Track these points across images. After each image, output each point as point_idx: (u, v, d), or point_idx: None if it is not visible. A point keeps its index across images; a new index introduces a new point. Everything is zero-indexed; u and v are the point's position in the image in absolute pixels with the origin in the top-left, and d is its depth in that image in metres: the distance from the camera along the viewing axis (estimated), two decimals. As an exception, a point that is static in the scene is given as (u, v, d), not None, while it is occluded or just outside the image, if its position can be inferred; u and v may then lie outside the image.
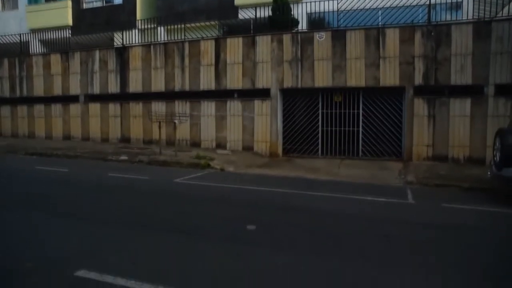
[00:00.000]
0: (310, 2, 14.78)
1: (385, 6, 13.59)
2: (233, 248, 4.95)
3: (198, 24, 17.41)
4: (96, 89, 17.69)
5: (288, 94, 14.50)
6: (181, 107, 15.84)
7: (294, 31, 14.66)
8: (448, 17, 13.08)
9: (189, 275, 4.10)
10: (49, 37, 19.33)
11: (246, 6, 17.40)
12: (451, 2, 13.24)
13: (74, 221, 6.08)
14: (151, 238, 5.33)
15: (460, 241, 5.49)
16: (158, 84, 16.32)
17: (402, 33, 12.84)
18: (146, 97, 16.57)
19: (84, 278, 3.93)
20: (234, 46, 14.96)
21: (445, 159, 12.44)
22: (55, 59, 18.56)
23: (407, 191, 9.07)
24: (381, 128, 13.38)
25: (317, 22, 17.28)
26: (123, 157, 13.47)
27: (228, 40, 15.16)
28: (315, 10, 15.30)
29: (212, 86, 15.35)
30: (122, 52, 17.08)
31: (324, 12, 15.27)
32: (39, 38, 20.17)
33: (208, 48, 15.40)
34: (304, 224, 6.18)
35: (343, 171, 11.77)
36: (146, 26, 18.33)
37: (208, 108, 15.45)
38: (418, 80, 12.67)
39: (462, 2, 14.05)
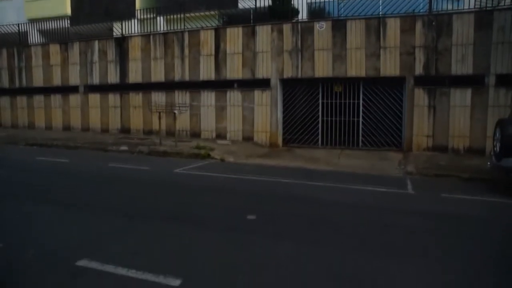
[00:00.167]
0: (311, -9, 14.69)
1: (386, -4, 13.53)
2: (234, 238, 4.97)
3: (197, 14, 17.30)
4: (96, 80, 17.63)
5: (288, 84, 14.46)
6: (181, 97, 15.80)
7: (294, 21, 14.57)
8: (450, 7, 12.97)
9: (190, 265, 4.13)
10: (48, 27, 19.21)
11: (246, -4, 17.27)
12: (453, -9, 13.16)
13: (75, 211, 6.10)
14: (152, 228, 5.35)
15: (459, 231, 5.51)
16: (158, 74, 16.26)
17: (403, 22, 12.76)
18: (146, 87, 16.52)
19: (86, 268, 3.95)
20: (234, 36, 14.89)
21: (445, 149, 12.45)
22: (54, 50, 18.48)
23: (407, 181, 9.09)
24: (381, 119, 13.37)
25: (317, 11, 17.16)
26: (123, 148, 13.47)
27: (228, 30, 15.08)
28: (315, 0, 15.19)
29: (212, 76, 15.30)
30: (122, 42, 16.99)
31: (324, 1, 15.15)
32: (38, 28, 20.06)
33: (208, 38, 15.32)
34: (305, 214, 6.20)
35: (343, 161, 11.78)
36: (145, 16, 18.21)
37: (208, 98, 15.41)
38: (419, 70, 12.62)
39: (463, -9, 13.95)
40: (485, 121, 11.94)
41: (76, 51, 17.95)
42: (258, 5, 15.17)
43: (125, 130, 17.06)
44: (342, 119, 13.86)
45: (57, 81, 18.48)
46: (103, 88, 17.49)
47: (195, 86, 15.60)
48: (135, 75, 16.73)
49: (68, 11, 21.94)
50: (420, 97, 12.67)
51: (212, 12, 18.21)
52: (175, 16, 16.34)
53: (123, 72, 16.97)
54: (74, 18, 21.22)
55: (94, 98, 17.74)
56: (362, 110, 13.61)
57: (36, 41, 19.94)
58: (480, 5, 12.46)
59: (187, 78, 15.72)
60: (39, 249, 4.45)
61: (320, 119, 14.13)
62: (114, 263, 4.02)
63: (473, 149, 12.14)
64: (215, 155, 12.20)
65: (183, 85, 15.82)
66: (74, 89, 18.12)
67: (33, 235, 4.97)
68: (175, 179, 9.13)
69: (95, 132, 17.66)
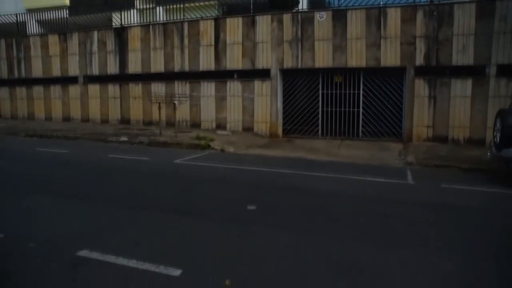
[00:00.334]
0: (311, -20, 14.58)
1: (387, -15, 13.42)
2: (234, 229, 4.99)
3: (197, 4, 17.17)
4: (95, 70, 17.57)
5: (288, 75, 14.41)
6: (181, 88, 15.76)
7: (294, 10, 14.48)
8: (451, -4, 12.89)
9: (190, 255, 4.14)
10: (46, 17, 19.10)
11: (245, -15, 17.14)
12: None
13: (75, 202, 6.12)
14: (152, 218, 5.36)
15: (459, 221, 5.53)
16: (158, 65, 16.20)
17: (404, 12, 12.68)
18: (146, 78, 16.48)
19: (86, 258, 3.97)
20: (234, 26, 14.80)
21: (445, 140, 12.44)
22: (53, 40, 18.39)
23: (407, 171, 9.10)
24: (381, 109, 13.34)
25: (317, 1, 17.04)
26: (123, 138, 13.47)
27: (228, 20, 14.99)
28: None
29: (212, 66, 15.24)
30: (121, 33, 16.91)
31: (325, -9, 15.05)
32: (36, 19, 19.93)
33: (207, 28, 15.23)
34: (305, 204, 6.21)
35: (343, 151, 11.78)
36: (144, 6, 18.08)
37: (208, 88, 15.37)
38: (419, 60, 12.57)
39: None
40: (486, 112, 11.92)
41: (75, 42, 17.87)
42: (258, -6, 15.07)
43: (125, 120, 17.05)
44: (342, 109, 13.83)
45: (56, 71, 18.41)
46: (103, 79, 17.44)
47: (195, 76, 15.55)
48: (134, 66, 16.67)
49: (67, 1, 21.76)
50: (421, 87, 12.63)
51: (212, 2, 18.07)
52: (174, 6, 16.25)
53: (123, 63, 16.90)
54: (73, 8, 21.07)
55: (94, 89, 17.69)
56: (362, 100, 13.58)
57: (35, 32, 19.84)
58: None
59: (187, 68, 15.66)
60: (40, 240, 4.46)
61: (320, 109, 14.10)
62: (115, 254, 4.04)
63: (473, 139, 12.13)
64: (215, 145, 12.20)
65: (183, 76, 15.77)
66: (73, 80, 18.07)
67: (34, 226, 4.99)
68: (175, 169, 9.14)
69: (95, 123, 17.64)
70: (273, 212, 5.71)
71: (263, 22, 14.33)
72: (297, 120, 14.40)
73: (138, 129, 15.54)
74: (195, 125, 15.61)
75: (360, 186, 7.56)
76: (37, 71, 18.86)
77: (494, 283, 3.67)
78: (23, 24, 19.98)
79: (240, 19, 14.73)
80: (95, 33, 17.46)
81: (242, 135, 14.24)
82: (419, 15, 12.50)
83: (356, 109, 13.68)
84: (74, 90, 18.14)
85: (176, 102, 14.44)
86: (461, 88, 12.22)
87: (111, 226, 5.04)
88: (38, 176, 8.03)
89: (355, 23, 13.16)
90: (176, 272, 3.69)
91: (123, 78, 16.97)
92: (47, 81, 18.68)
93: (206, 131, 14.82)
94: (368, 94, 13.49)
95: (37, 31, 19.95)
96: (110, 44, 17.13)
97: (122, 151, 11.33)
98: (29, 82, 19.14)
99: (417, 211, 5.95)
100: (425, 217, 5.64)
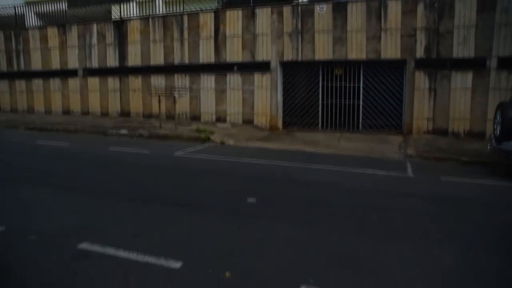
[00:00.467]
0: (311, -28, 14.47)
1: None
2: (234, 221, 5.00)
3: (196, -4, 17.08)
4: (95, 63, 17.51)
5: (288, 67, 14.37)
6: (181, 80, 15.73)
7: (294, 3, 14.38)
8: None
9: (190, 247, 4.16)
10: (45, 9, 18.99)
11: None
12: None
13: (75, 195, 6.13)
14: (152, 211, 5.38)
15: (459, 214, 5.54)
16: (157, 57, 16.15)
17: (404, 4, 12.60)
18: (145, 70, 16.43)
19: (87, 251, 3.99)
20: (234, 19, 14.73)
21: (445, 132, 12.43)
22: (52, 33, 18.30)
23: (407, 164, 9.11)
24: (381, 102, 13.32)
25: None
26: (123, 131, 13.46)
27: (228, 13, 14.91)
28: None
29: (212, 59, 15.19)
30: (120, 25, 16.83)
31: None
32: (35, 11, 19.83)
33: (207, 21, 15.16)
34: (304, 197, 6.22)
35: (343, 144, 11.78)
36: (143, -2, 17.99)
37: (208, 81, 15.33)
38: (420, 53, 12.52)
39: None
40: (486, 104, 11.89)
41: (74, 34, 17.79)
42: (258, -14, 14.98)
43: (124, 113, 17.03)
44: (342, 102, 13.81)
45: (55, 64, 18.35)
46: (102, 72, 17.38)
47: (194, 69, 15.51)
48: (134, 59, 16.62)
49: (66, -7, 21.63)
50: (421, 80, 12.59)
51: (211, -6, 17.99)
52: (174, -2, 16.16)
53: (122, 56, 16.85)
54: (72, 0, 20.94)
55: (93, 82, 17.65)
56: (363, 93, 13.55)
57: (33, 24, 19.74)
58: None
59: (186, 61, 15.61)
60: (40, 233, 4.48)
61: (320, 102, 14.07)
62: (115, 246, 4.06)
63: (473, 132, 12.12)
64: (215, 138, 12.21)
65: (182, 68, 15.72)
66: (73, 73, 18.02)
67: (34, 219, 5.00)
68: (175, 162, 9.15)
69: (94, 116, 17.62)
70: (273, 205, 5.72)
71: (263, 15, 14.26)
72: (297, 112, 14.38)
73: (138, 122, 15.53)
74: (195, 118, 15.60)
75: (360, 179, 7.57)
76: (36, 64, 18.80)
77: (494, 276, 3.69)
78: (22, 16, 19.87)
79: (240, 11, 14.66)
80: (94, 25, 17.38)
81: (242, 128, 14.23)
82: (420, 7, 12.43)
83: (356, 102, 13.66)
84: (73, 83, 18.09)
85: (176, 95, 14.42)
86: (462, 81, 12.19)
87: (111, 218, 5.06)
88: (38, 169, 8.04)
89: (356, 15, 13.09)
90: (177, 265, 3.71)
91: (122, 71, 16.92)
92: (46, 74, 18.62)
93: (206, 124, 14.81)
94: (368, 86, 13.46)
95: (36, 24, 19.85)
96: (110, 36, 17.06)
97: (122, 144, 11.34)
98: (29, 75, 19.08)
99: (417, 204, 5.96)
100: (424, 210, 5.66)
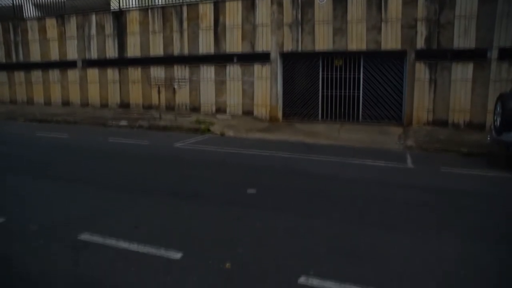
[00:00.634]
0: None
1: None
2: (234, 212, 5.01)
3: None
4: (94, 54, 17.43)
5: (288, 58, 14.31)
6: (180, 71, 15.67)
7: (294, -7, 14.30)
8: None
9: (190, 238, 4.18)
10: (43, 0, 18.85)
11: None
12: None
13: (75, 186, 6.14)
14: (152, 202, 5.39)
15: (459, 205, 5.56)
16: (157, 48, 16.08)
17: (405, -6, 12.53)
18: (145, 62, 16.36)
19: (88, 241, 4.00)
20: (233, 9, 14.64)
21: (445, 124, 12.42)
22: (51, 24, 18.19)
23: (407, 155, 9.11)
24: (381, 93, 13.28)
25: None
26: (123, 123, 13.45)
27: (227, 3, 14.80)
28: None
29: (211, 50, 15.13)
30: (119, 16, 16.72)
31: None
32: (33, 2, 19.69)
33: (207, 11, 15.06)
34: (304, 187, 6.23)
35: (343, 135, 11.78)
36: (142, -11, 17.88)
37: (208, 72, 15.29)
38: (420, 44, 12.46)
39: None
40: (486, 96, 11.86)
41: (73, 25, 17.69)
42: (257, -24, 14.86)
43: (124, 105, 16.99)
44: (343, 93, 13.77)
45: (54, 56, 18.27)
46: (102, 63, 17.31)
47: (194, 60, 15.45)
48: (133, 50, 16.54)
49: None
50: (421, 71, 12.55)
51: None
52: (173, -11, 16.04)
53: (122, 47, 16.77)
54: (70, -10, 20.81)
55: (93, 73, 17.58)
56: (363, 84, 13.51)
57: (32, 15, 19.61)
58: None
59: (186, 52, 15.55)
60: (41, 224, 4.49)
61: (320, 93, 14.04)
62: (116, 237, 4.07)
63: (473, 123, 12.11)
64: (215, 129, 12.20)
65: (182, 59, 15.66)
66: (72, 64, 17.94)
67: (35, 210, 5.01)
68: (175, 153, 9.15)
69: (94, 107, 17.58)
70: (273, 196, 5.74)
71: (263, 5, 14.16)
72: (297, 103, 14.35)
73: (137, 113, 15.51)
74: (195, 109, 15.57)
75: (360, 170, 7.58)
76: (35, 55, 18.71)
77: (494, 266, 3.70)
78: (20, 7, 19.75)
79: (240, 2, 14.55)
80: (93, 16, 17.27)
81: (242, 119, 14.22)
82: (421, -2, 12.35)
83: (356, 93, 13.63)
84: (73, 75, 18.02)
85: (175, 86, 14.39)
86: (462, 72, 12.15)
87: (111, 209, 5.07)
88: (38, 161, 8.05)
89: (356, 5, 13.00)
90: (177, 255, 3.72)
91: (122, 62, 16.85)
92: (45, 66, 18.54)
93: (206, 115, 14.79)
94: (369, 77, 13.41)
95: (34, 15, 19.72)
96: (109, 27, 16.97)
97: (122, 135, 11.33)
98: (28, 66, 19.00)
99: (417, 195, 5.97)
100: (424, 201, 5.67)
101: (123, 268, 3.51)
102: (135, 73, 16.61)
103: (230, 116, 14.64)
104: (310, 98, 14.17)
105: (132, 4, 16.92)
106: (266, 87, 14.35)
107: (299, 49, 13.81)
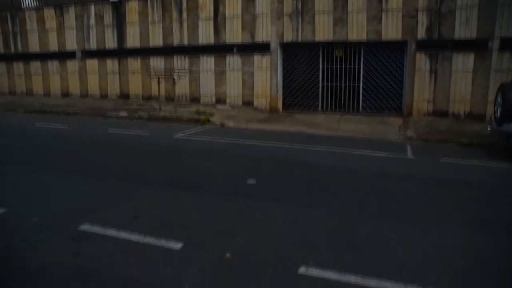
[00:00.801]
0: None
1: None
2: (234, 202, 5.02)
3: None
4: (93, 45, 17.35)
5: (288, 49, 14.24)
6: (180, 62, 15.61)
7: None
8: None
9: (190, 229, 4.18)
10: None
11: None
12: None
13: (75, 177, 6.13)
14: (152, 193, 5.39)
15: (458, 195, 5.56)
16: (156, 39, 15.99)
17: (406, -16, 12.43)
18: (144, 52, 16.28)
19: (88, 232, 4.01)
20: (233, -1, 14.55)
21: (445, 114, 12.39)
22: (49, 14, 18.08)
23: (407, 146, 9.11)
24: (381, 83, 13.24)
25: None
26: (123, 114, 13.43)
27: (227, -7, 14.71)
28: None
29: (211, 40, 15.05)
30: (118, 6, 16.60)
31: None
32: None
33: (206, 1, 14.94)
34: (304, 178, 6.24)
35: (343, 126, 11.76)
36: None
37: (207, 63, 15.22)
38: (421, 34, 12.39)
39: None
40: (487, 86, 11.82)
41: (72, 16, 17.58)
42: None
43: (124, 96, 16.95)
44: (343, 84, 13.73)
45: (53, 46, 18.18)
46: (101, 54, 17.24)
47: (194, 50, 15.38)
48: (133, 40, 16.46)
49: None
50: (422, 61, 12.49)
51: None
52: (172, -22, 15.90)
53: (121, 37, 16.68)
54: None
55: (92, 64, 17.52)
56: (363, 74, 13.46)
57: (30, 5, 19.46)
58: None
59: (185, 42, 15.47)
60: (42, 214, 4.50)
61: (320, 84, 13.99)
62: (116, 227, 4.08)
63: (473, 114, 12.08)
64: (215, 120, 12.18)
65: (182, 50, 15.59)
66: (71, 55, 17.87)
67: (35, 201, 5.02)
68: (175, 144, 9.14)
69: (94, 98, 17.54)
70: (273, 186, 5.74)
71: (263, -5, 14.07)
72: (297, 94, 14.31)
73: (137, 104, 15.48)
74: (195, 99, 15.53)
75: (360, 161, 7.58)
76: (34, 46, 18.61)
77: (494, 256, 3.71)
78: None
79: (240, -9, 14.46)
80: (92, 6, 17.15)
81: (242, 110, 14.19)
82: (422, -13, 12.26)
83: (356, 84, 13.58)
84: (72, 65, 17.96)
85: (175, 76, 14.34)
86: (463, 62, 12.09)
87: (111, 200, 5.07)
88: (38, 152, 8.04)
89: (357, -5, 12.92)
90: (177, 246, 3.73)
91: (121, 52, 16.78)
92: (44, 56, 18.47)
93: (206, 105, 14.76)
94: (369, 68, 13.36)
95: (32, 4, 19.56)
96: (108, 18, 16.86)
97: (122, 126, 11.32)
98: (27, 57, 18.92)
99: (417, 186, 5.97)
100: (424, 191, 5.67)
101: (123, 258, 3.52)
102: (134, 63, 16.55)
103: (230, 107, 14.61)
104: (310, 89, 14.12)
105: (131, -6, 16.77)
106: (266, 78, 14.30)
107: (299, 39, 13.74)
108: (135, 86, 16.69)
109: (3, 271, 3.36)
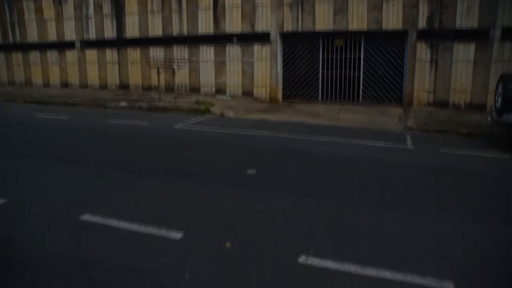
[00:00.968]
0: None
1: None
2: (234, 192, 5.03)
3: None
4: (92, 35, 17.26)
5: (288, 38, 14.17)
6: (180, 52, 15.54)
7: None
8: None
9: (191, 219, 4.20)
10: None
11: None
12: None
13: (76, 168, 6.14)
14: (152, 183, 5.40)
15: (458, 185, 5.57)
16: (156, 28, 15.90)
17: (407, -27, 12.32)
18: (144, 42, 16.20)
19: (89, 222, 4.02)
20: (233, -12, 14.43)
21: (445, 105, 12.36)
22: (47, 3, 17.95)
23: (407, 136, 9.10)
24: (382, 73, 13.19)
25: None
26: (123, 104, 13.40)
27: (227, -18, 14.60)
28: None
29: (211, 30, 14.96)
30: (117, -5, 16.50)
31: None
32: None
33: (205, -10, 14.87)
34: (304, 168, 6.24)
35: (343, 116, 11.75)
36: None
37: (207, 53, 15.16)
38: (422, 23, 12.31)
39: None
40: (488, 76, 11.77)
41: (70, 5, 17.45)
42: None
43: (123, 86, 16.90)
44: (343, 73, 13.68)
45: (52, 36, 18.09)
46: (100, 44, 17.16)
47: (193, 40, 15.30)
48: (132, 30, 16.36)
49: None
50: (422, 51, 12.43)
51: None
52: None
53: (120, 27, 16.59)
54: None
55: (91, 54, 17.44)
56: (363, 64, 13.41)
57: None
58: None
59: (185, 32, 15.38)
60: (43, 204, 4.51)
61: (320, 73, 13.95)
62: (117, 217, 4.09)
63: (473, 104, 12.05)
64: (215, 110, 12.16)
65: (181, 40, 15.51)
66: (70, 45, 17.79)
67: (36, 191, 5.03)
68: (175, 134, 9.13)
69: (93, 88, 17.49)
70: (273, 176, 5.75)
71: (263, -16, 13.96)
72: (297, 84, 14.26)
73: (137, 94, 15.44)
74: (195, 90, 15.49)
75: (360, 150, 7.58)
76: (33, 36, 18.52)
77: (492, 245, 3.73)
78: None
79: (239, -20, 14.35)
80: (91, -4, 17.06)
81: (242, 100, 14.16)
82: (423, -24, 12.15)
83: (356, 74, 13.53)
84: (71, 56, 17.88)
85: (175, 66, 14.29)
86: (464, 53, 12.03)
87: (112, 190, 5.08)
88: (38, 142, 8.04)
89: (357, -16, 12.82)
90: (177, 235, 3.75)
91: (120, 42, 16.69)
92: (43, 46, 18.38)
93: (206, 96, 14.72)
94: (369, 58, 13.31)
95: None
96: (107, 7, 16.75)
97: (121, 117, 11.30)
98: (25, 47, 18.84)
99: (416, 176, 5.98)
100: (424, 181, 5.68)
101: (124, 248, 3.54)
102: (134, 54, 16.48)
103: (229, 97, 14.58)
104: (310, 79, 14.08)
105: (130, -17, 16.65)
106: (266, 68, 14.25)
107: (299, 29, 13.66)
108: (135, 76, 16.64)
109: (4, 261, 3.37)
